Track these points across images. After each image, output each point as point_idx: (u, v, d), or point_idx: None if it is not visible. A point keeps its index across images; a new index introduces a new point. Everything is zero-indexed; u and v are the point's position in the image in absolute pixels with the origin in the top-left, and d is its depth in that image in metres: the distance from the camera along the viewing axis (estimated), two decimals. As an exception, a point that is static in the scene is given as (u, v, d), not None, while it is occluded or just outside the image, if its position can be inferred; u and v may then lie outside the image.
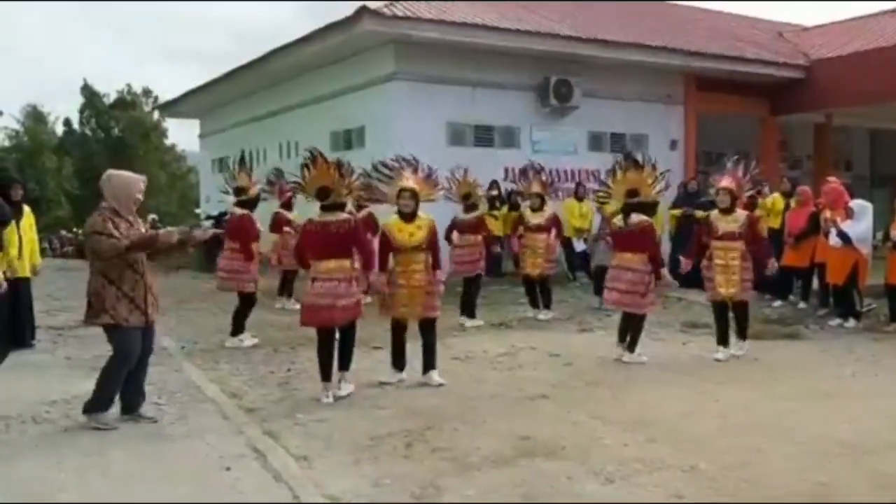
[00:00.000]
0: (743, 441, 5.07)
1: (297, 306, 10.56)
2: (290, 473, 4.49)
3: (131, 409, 5.57)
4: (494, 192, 13.71)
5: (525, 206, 10.38)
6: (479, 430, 5.32)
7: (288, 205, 11.25)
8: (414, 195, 6.56)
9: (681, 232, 12.29)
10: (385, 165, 6.84)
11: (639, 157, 7.91)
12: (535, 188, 10.07)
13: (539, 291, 10.19)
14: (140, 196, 5.49)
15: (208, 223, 17.70)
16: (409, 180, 6.64)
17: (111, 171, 5.61)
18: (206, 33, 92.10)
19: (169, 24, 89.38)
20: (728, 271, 7.57)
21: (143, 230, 5.50)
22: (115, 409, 5.52)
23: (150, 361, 7.47)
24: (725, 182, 7.72)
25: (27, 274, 8.10)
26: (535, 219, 10.01)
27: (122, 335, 5.38)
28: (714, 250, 7.66)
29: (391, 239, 6.53)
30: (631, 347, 7.53)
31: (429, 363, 6.71)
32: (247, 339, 8.46)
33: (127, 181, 5.50)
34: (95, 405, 5.40)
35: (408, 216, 6.56)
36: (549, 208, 10.24)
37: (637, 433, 5.22)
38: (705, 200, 11.88)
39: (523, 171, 10.51)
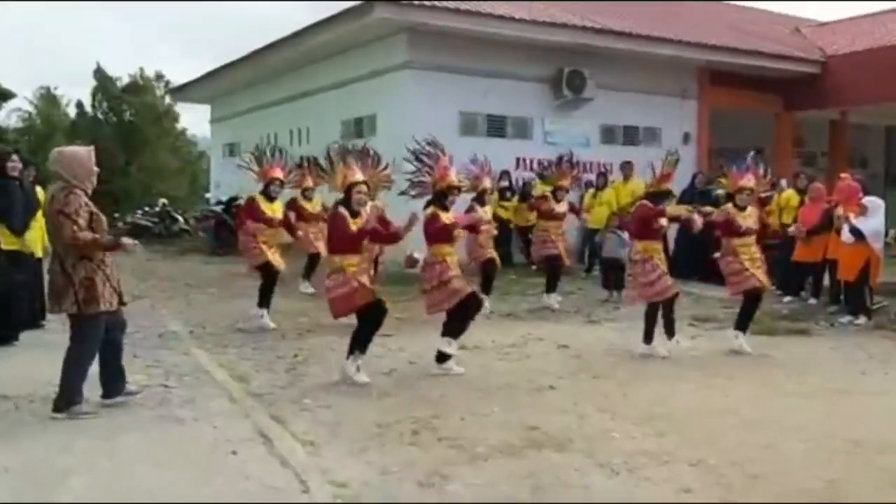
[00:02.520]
0: (752, 437, 5.03)
1: (311, 290, 10.63)
2: (297, 459, 4.49)
3: (117, 391, 5.50)
4: (505, 183, 13.70)
5: (545, 192, 10.59)
6: (486, 420, 5.31)
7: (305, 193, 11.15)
8: (461, 192, 6.90)
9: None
10: (425, 153, 6.80)
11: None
12: (565, 182, 10.39)
13: (551, 275, 10.35)
14: (96, 169, 5.41)
15: (219, 208, 17.77)
16: (454, 176, 6.76)
17: (62, 149, 5.48)
18: (221, 21, 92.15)
19: (185, 9, 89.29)
20: (754, 265, 7.60)
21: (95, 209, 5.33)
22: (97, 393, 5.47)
23: (157, 344, 7.62)
24: (748, 181, 7.66)
25: (39, 254, 8.12)
26: (560, 207, 10.37)
27: (100, 321, 5.27)
28: (737, 247, 7.58)
29: (444, 225, 6.64)
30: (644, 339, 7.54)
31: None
32: (265, 317, 8.57)
33: (84, 156, 5.37)
34: (70, 399, 5.22)
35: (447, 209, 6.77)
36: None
37: (645, 426, 5.20)
38: (714, 194, 11.84)
39: (559, 160, 10.63)
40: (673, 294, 7.56)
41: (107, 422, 5.13)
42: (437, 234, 6.66)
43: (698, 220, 7.56)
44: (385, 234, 6.42)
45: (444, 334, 6.68)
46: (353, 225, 6.22)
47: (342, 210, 6.29)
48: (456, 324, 6.66)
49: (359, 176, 6.36)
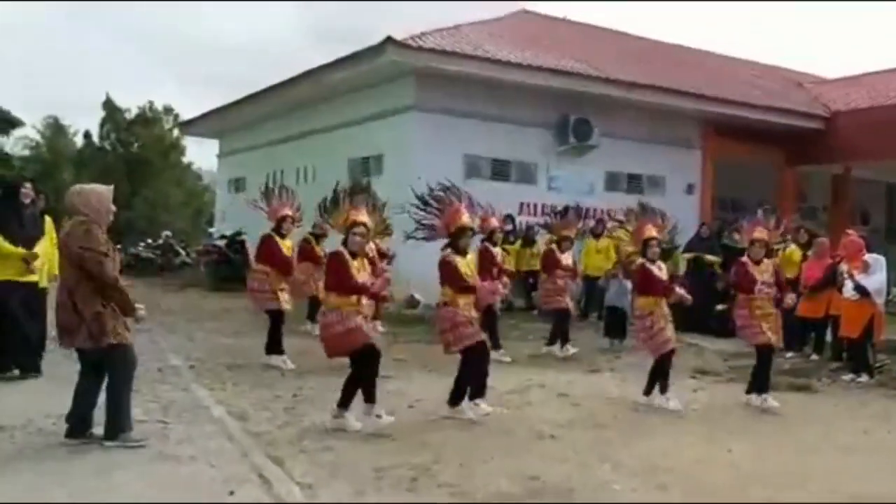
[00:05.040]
0: (755, 492, 4.98)
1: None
2: (294, 501, 4.44)
3: (82, 431, 5.37)
4: (509, 227, 13.73)
5: (549, 243, 10.51)
6: (486, 468, 5.25)
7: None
8: (474, 233, 6.78)
9: (690, 276, 12.24)
10: (435, 199, 6.71)
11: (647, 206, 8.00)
12: (568, 232, 10.30)
13: (557, 327, 10.27)
14: (114, 208, 5.47)
15: (222, 242, 17.79)
16: (467, 217, 6.65)
17: (82, 186, 5.53)
18: (230, 56, 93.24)
19: (196, 45, 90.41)
20: (769, 319, 7.57)
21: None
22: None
23: (156, 378, 7.56)
24: (760, 234, 7.64)
25: (45, 284, 8.10)
26: (566, 259, 10.26)
27: (125, 352, 5.36)
28: (752, 301, 7.53)
29: (463, 276, 6.50)
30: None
31: (480, 391, 6.62)
32: (285, 362, 8.53)
33: (105, 195, 5.44)
34: (121, 427, 5.30)
35: (464, 252, 6.65)
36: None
37: (647, 479, 5.14)
38: (721, 244, 11.93)
39: (565, 210, 10.74)
40: (669, 350, 7.43)
41: (103, 457, 5.08)
42: (447, 278, 6.56)
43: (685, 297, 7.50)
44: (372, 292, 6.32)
45: (469, 397, 6.60)
46: (352, 268, 6.12)
47: (342, 250, 6.22)
48: (471, 380, 6.57)
49: (362, 217, 6.29)
